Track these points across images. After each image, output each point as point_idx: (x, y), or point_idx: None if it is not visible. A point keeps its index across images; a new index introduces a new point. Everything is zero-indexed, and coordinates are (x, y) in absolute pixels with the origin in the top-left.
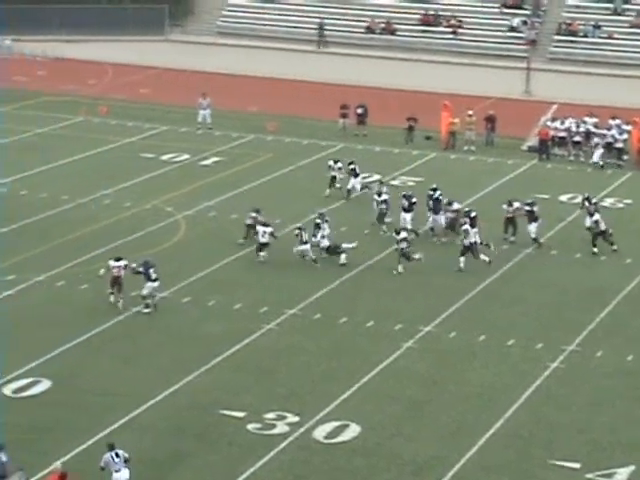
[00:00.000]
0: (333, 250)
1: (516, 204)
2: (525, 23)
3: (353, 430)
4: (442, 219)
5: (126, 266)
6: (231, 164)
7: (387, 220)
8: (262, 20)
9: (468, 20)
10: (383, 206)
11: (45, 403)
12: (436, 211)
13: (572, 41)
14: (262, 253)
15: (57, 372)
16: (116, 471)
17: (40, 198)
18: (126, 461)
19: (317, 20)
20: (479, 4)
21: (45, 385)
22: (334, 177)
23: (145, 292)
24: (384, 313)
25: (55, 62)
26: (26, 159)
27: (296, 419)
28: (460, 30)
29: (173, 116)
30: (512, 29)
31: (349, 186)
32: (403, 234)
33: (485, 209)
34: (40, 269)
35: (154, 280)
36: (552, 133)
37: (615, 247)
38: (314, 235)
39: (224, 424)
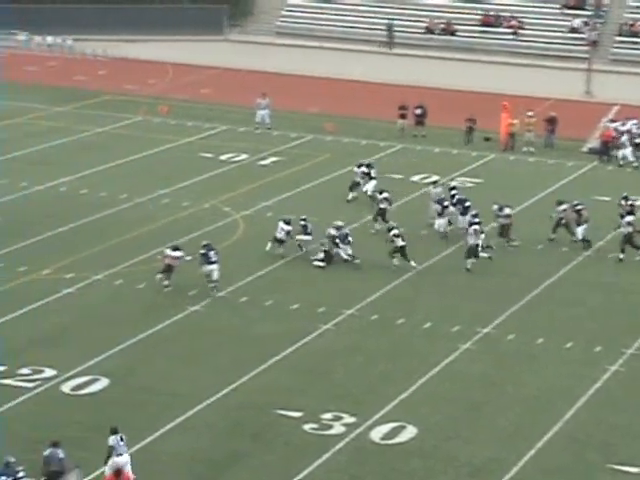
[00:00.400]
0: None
1: (564, 206)
2: (586, 24)
3: (410, 432)
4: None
5: (181, 257)
6: (289, 164)
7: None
8: (320, 20)
9: (529, 21)
10: (383, 205)
11: (102, 401)
12: (463, 212)
13: (634, 42)
14: (272, 245)
15: (114, 370)
16: (118, 455)
17: (99, 197)
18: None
19: (376, 20)
20: (540, 5)
21: (103, 383)
22: (357, 183)
23: (205, 271)
24: (442, 314)
25: (116, 62)
26: (86, 158)
27: (353, 420)
28: (520, 31)
29: (232, 116)
30: (573, 30)
31: (364, 189)
32: (395, 231)
33: (544, 212)
34: (99, 268)
35: (212, 262)
36: (613, 135)
37: None
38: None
39: (280, 424)
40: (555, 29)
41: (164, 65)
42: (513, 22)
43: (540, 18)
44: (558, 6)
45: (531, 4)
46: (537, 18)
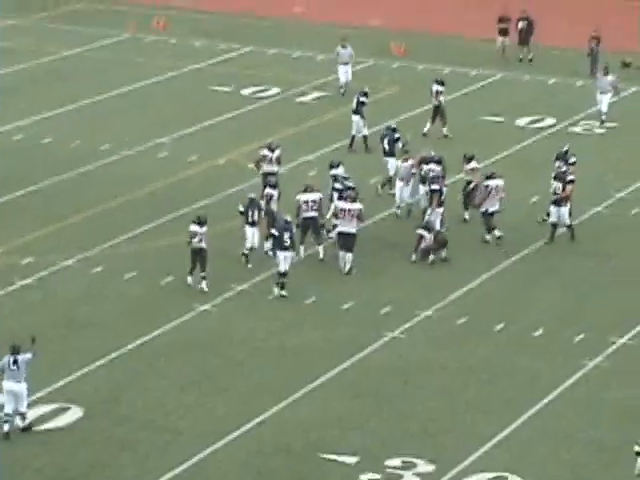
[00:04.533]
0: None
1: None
2: None
3: None
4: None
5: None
6: (340, 101)
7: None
8: None
9: None
10: None
11: (74, 439)
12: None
13: None
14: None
15: (90, 396)
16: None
17: (70, 149)
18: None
19: None
20: None
21: (74, 414)
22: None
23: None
24: (558, 317)
25: None
26: (51, 93)
27: (430, 468)
28: None
29: (260, 32)
30: None
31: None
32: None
33: None
34: (69, 249)
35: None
36: None
37: None
38: None
39: (328, 474)
40: None
41: None
42: None
43: None
44: None
45: None
46: None
